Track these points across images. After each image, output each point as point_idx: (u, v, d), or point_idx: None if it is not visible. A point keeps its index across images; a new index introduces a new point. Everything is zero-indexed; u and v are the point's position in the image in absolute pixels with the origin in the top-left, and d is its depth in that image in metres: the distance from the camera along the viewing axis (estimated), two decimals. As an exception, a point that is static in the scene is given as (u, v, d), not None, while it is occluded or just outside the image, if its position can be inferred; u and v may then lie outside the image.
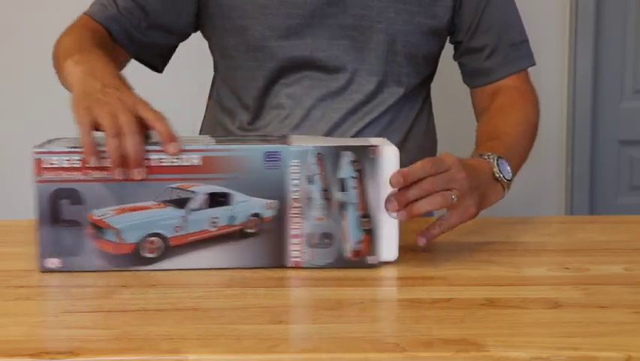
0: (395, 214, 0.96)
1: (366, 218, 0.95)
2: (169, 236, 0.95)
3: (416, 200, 0.96)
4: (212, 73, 1.44)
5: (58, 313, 0.82)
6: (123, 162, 0.91)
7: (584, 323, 0.78)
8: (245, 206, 0.95)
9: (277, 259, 0.96)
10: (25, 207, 2.27)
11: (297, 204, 0.95)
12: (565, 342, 0.73)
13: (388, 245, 0.98)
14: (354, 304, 0.84)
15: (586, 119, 2.40)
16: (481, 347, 0.72)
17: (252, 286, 0.91)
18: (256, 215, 0.96)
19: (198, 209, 0.95)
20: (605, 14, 2.37)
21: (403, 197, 0.95)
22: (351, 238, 0.96)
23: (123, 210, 0.94)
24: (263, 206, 0.95)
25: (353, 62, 1.29)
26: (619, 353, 0.70)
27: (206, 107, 1.46)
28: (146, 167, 0.93)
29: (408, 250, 1.04)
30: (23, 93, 2.35)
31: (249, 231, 0.96)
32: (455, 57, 1.40)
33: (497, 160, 1.10)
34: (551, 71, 2.31)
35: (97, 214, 0.93)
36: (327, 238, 0.96)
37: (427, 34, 1.31)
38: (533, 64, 1.40)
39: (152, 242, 0.94)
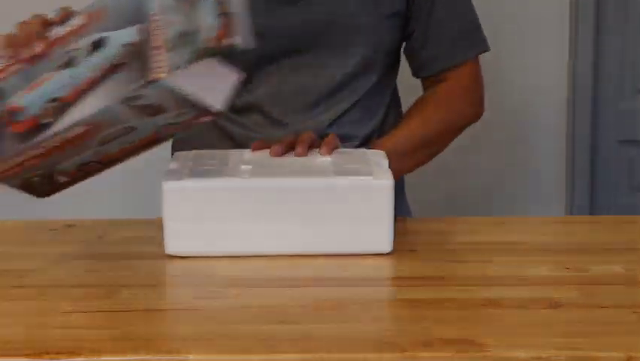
0: None
1: (221, 2, 0.93)
2: (62, 95, 0.94)
3: None
4: None
5: (58, 313, 0.82)
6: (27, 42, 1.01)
7: (584, 323, 0.78)
8: (116, 39, 0.95)
9: (142, 77, 0.92)
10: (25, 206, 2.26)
11: (156, 17, 0.93)
12: (565, 342, 0.73)
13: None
14: (354, 304, 0.84)
15: (586, 119, 2.40)
16: (481, 347, 0.72)
17: (252, 286, 0.91)
18: (127, 44, 0.94)
19: (81, 62, 0.95)
20: (605, 14, 2.37)
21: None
22: (208, 25, 0.92)
23: (30, 89, 0.96)
24: (131, 34, 0.94)
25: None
26: (619, 353, 0.70)
27: None
28: (49, 42, 0.99)
29: (407, 250, 1.04)
30: None
31: (122, 62, 0.94)
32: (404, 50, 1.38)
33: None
34: (551, 70, 2.31)
35: (10, 102, 0.96)
36: (185, 36, 0.92)
37: (391, 23, 1.30)
38: (482, 51, 1.36)
39: (48, 108, 0.95)
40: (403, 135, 1.29)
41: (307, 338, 0.74)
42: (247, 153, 1.11)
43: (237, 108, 1.28)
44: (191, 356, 0.70)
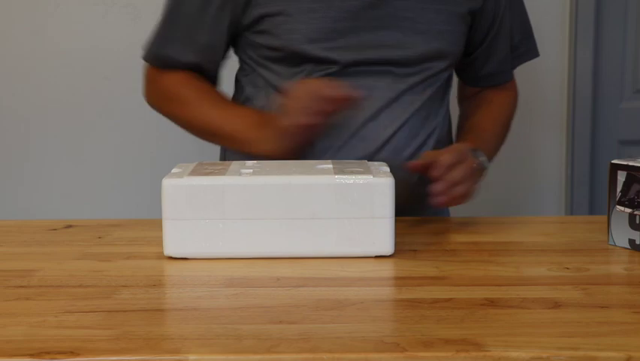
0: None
1: None
2: None
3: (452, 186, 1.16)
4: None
5: (58, 313, 0.82)
6: None
7: (584, 323, 0.78)
8: None
9: None
10: (27, 207, 2.27)
11: None
12: (565, 342, 0.73)
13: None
14: (354, 304, 0.84)
15: (586, 119, 2.40)
16: (481, 347, 0.72)
17: (252, 286, 0.91)
18: None
19: None
20: (605, 14, 2.37)
21: (441, 185, 1.15)
22: None
23: None
24: None
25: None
26: (619, 353, 0.70)
27: None
28: None
29: (408, 250, 1.04)
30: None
31: None
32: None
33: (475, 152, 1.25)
34: (551, 71, 2.31)
35: None
36: None
37: (461, 30, 1.36)
38: (533, 58, 1.49)
39: None
40: (484, 139, 1.38)
41: (307, 338, 0.74)
42: (249, 162, 1.11)
43: None
44: (191, 356, 0.70)
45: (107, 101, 2.27)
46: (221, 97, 1.37)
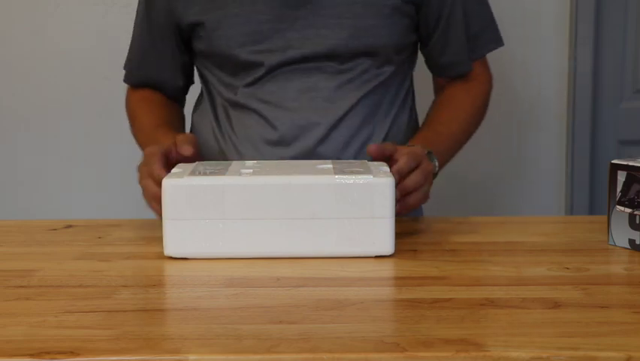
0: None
1: None
2: None
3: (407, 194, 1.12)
4: None
5: (58, 313, 0.82)
6: None
7: (584, 323, 0.78)
8: None
9: None
10: (27, 207, 2.27)
11: None
12: (565, 342, 0.73)
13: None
14: (354, 304, 0.84)
15: (586, 119, 2.40)
16: (481, 347, 0.72)
17: (252, 286, 0.91)
18: None
19: None
20: (605, 14, 2.36)
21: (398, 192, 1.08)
22: None
23: None
24: None
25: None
26: (619, 353, 0.70)
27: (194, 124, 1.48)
28: None
29: (407, 250, 1.04)
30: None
31: None
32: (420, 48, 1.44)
33: (430, 155, 1.22)
34: (551, 71, 2.31)
35: None
36: None
37: (396, 22, 1.33)
38: (496, 47, 1.45)
39: None
40: (442, 139, 1.33)
41: (307, 338, 0.74)
42: (249, 162, 1.11)
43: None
44: (191, 356, 0.70)
45: (107, 101, 2.27)
46: (154, 121, 1.39)
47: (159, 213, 1.05)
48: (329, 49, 1.30)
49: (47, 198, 2.30)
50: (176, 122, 1.43)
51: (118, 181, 2.30)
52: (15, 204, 2.29)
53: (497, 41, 1.44)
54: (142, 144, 1.35)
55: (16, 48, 2.26)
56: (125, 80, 1.49)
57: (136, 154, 2.12)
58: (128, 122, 1.47)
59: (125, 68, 1.48)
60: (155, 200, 1.10)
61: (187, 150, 1.15)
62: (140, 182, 1.14)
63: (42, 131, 2.29)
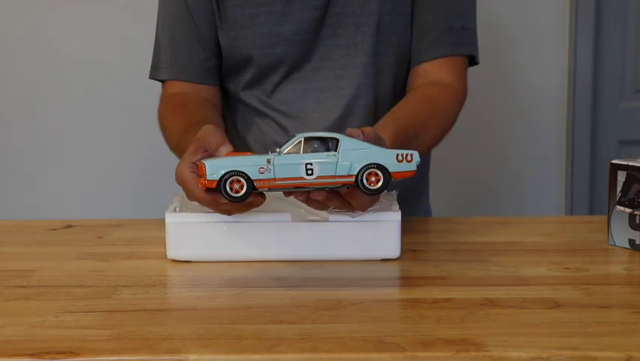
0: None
1: None
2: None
3: None
4: None
5: (58, 313, 0.82)
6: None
7: (584, 323, 0.78)
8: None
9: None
10: (28, 208, 2.27)
11: None
12: (565, 342, 0.73)
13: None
14: (354, 304, 0.84)
15: (586, 119, 2.40)
16: (481, 347, 0.72)
17: (252, 286, 0.91)
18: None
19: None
20: (605, 14, 2.36)
21: None
22: None
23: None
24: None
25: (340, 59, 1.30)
26: (619, 353, 0.70)
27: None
28: None
29: (408, 250, 1.04)
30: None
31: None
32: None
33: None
34: (551, 71, 2.31)
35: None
36: None
37: (408, 22, 1.31)
38: (471, 54, 1.34)
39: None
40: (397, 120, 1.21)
41: (307, 338, 0.74)
42: None
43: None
44: (191, 356, 0.70)
45: (107, 101, 2.28)
46: (181, 127, 1.26)
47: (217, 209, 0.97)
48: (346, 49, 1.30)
49: (47, 198, 2.30)
50: (209, 121, 1.36)
51: (118, 181, 2.31)
52: (15, 204, 2.29)
53: (475, 50, 1.35)
54: (174, 152, 1.29)
55: (16, 48, 2.26)
56: (152, 76, 1.40)
57: (136, 154, 2.11)
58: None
59: (152, 66, 1.40)
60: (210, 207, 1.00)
61: (222, 153, 0.99)
62: (190, 199, 1.02)
63: (42, 131, 2.30)
